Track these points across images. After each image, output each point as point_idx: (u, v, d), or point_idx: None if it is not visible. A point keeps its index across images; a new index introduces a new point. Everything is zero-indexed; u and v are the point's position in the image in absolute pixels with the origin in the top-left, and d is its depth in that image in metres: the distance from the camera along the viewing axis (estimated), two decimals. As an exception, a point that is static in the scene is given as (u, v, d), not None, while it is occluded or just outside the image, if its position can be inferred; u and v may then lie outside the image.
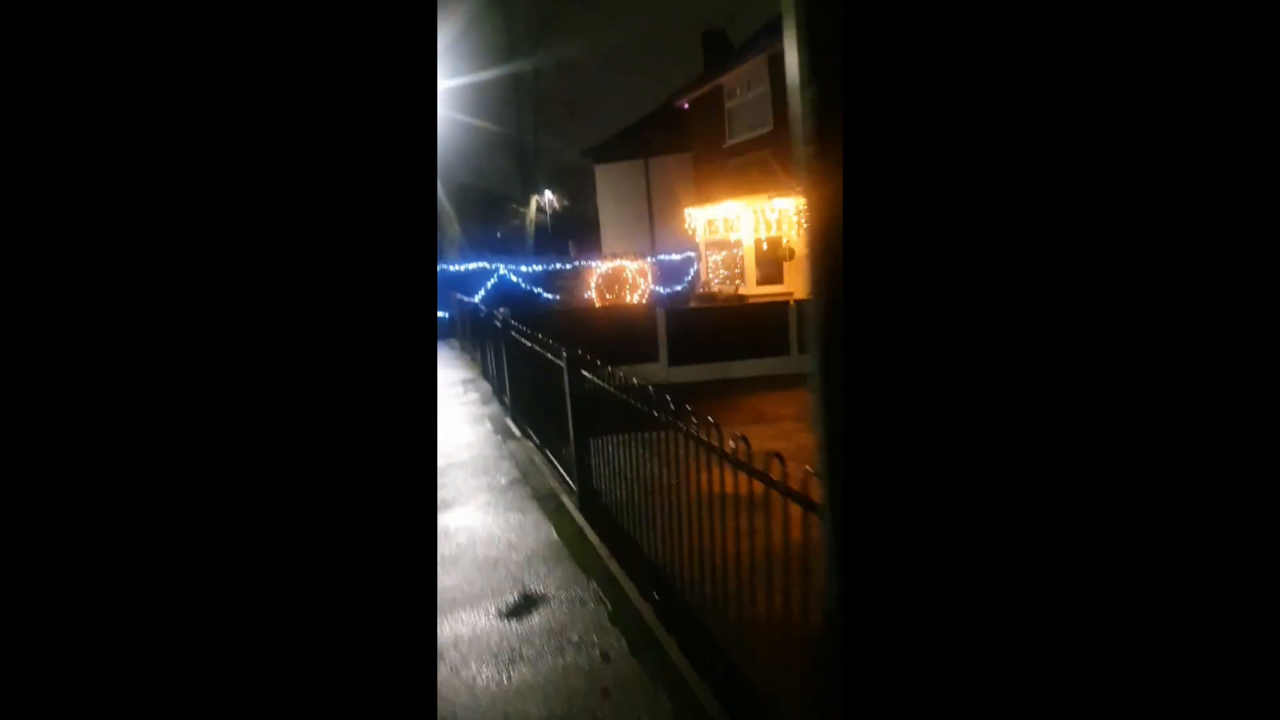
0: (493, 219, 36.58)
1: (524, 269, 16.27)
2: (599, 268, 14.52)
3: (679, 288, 16.13)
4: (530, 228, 35.94)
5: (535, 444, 6.06)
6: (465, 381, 9.52)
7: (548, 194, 37.14)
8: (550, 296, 15.45)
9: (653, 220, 19.17)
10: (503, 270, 16.06)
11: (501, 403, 7.85)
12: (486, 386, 8.97)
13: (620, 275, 14.34)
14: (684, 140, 16.38)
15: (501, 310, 8.00)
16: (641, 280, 14.52)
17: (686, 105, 15.27)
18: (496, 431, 6.81)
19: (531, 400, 6.17)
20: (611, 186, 19.74)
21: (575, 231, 33.23)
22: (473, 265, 16.23)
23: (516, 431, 6.69)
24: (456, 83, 18.40)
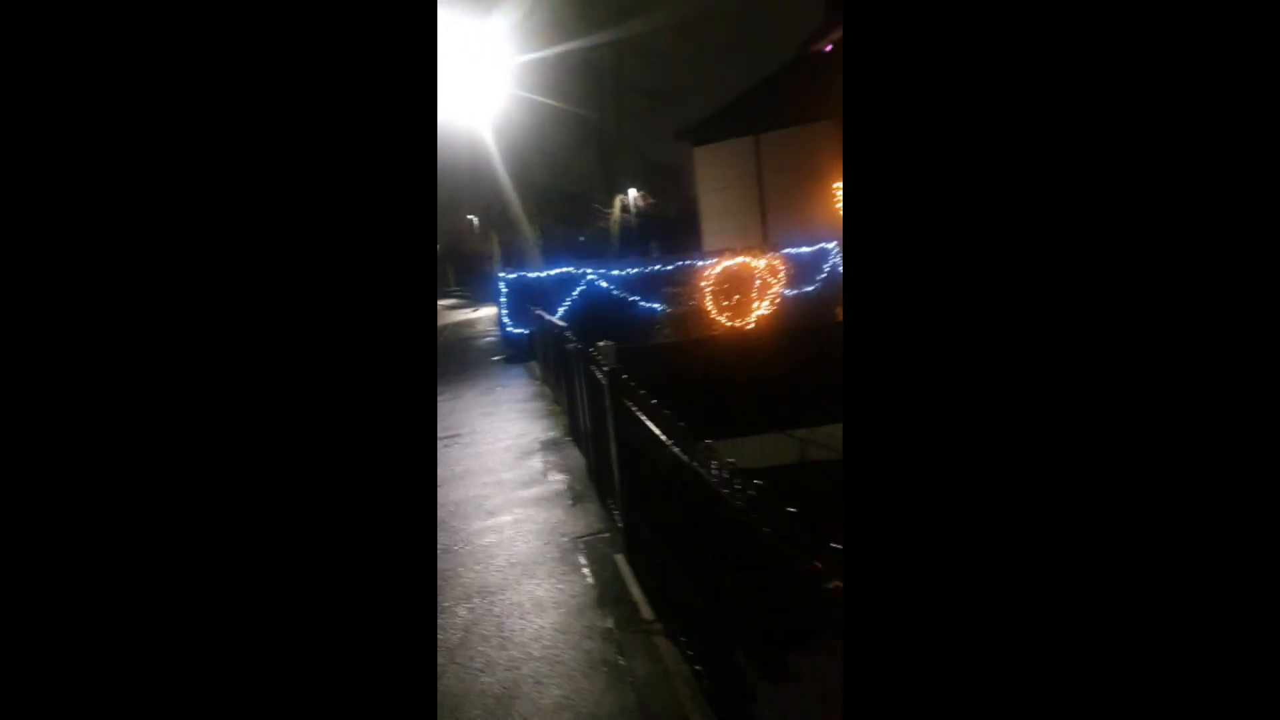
0: (575, 221, 33.61)
1: (616, 273, 12.87)
2: (714, 266, 10.92)
3: (810, 289, 12.34)
4: (615, 228, 32.86)
5: (698, 676, 2.54)
6: (546, 446, 6.11)
7: (632, 192, 33.94)
8: (654, 307, 11.96)
9: (764, 207, 15.42)
10: (591, 275, 12.71)
11: (604, 506, 4.38)
12: (577, 457, 5.54)
13: (744, 275, 10.67)
14: (813, 106, 12.59)
15: (603, 345, 4.54)
16: (773, 280, 10.79)
17: (830, 48, 11.49)
18: (603, 601, 3.30)
19: (681, 546, 2.70)
20: (713, 171, 16.09)
21: (660, 232, 29.96)
22: (555, 271, 12.95)
23: (645, 608, 3.16)
24: (529, 59, 15.27)
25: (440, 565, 3.89)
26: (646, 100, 28.45)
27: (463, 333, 19.33)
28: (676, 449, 2.50)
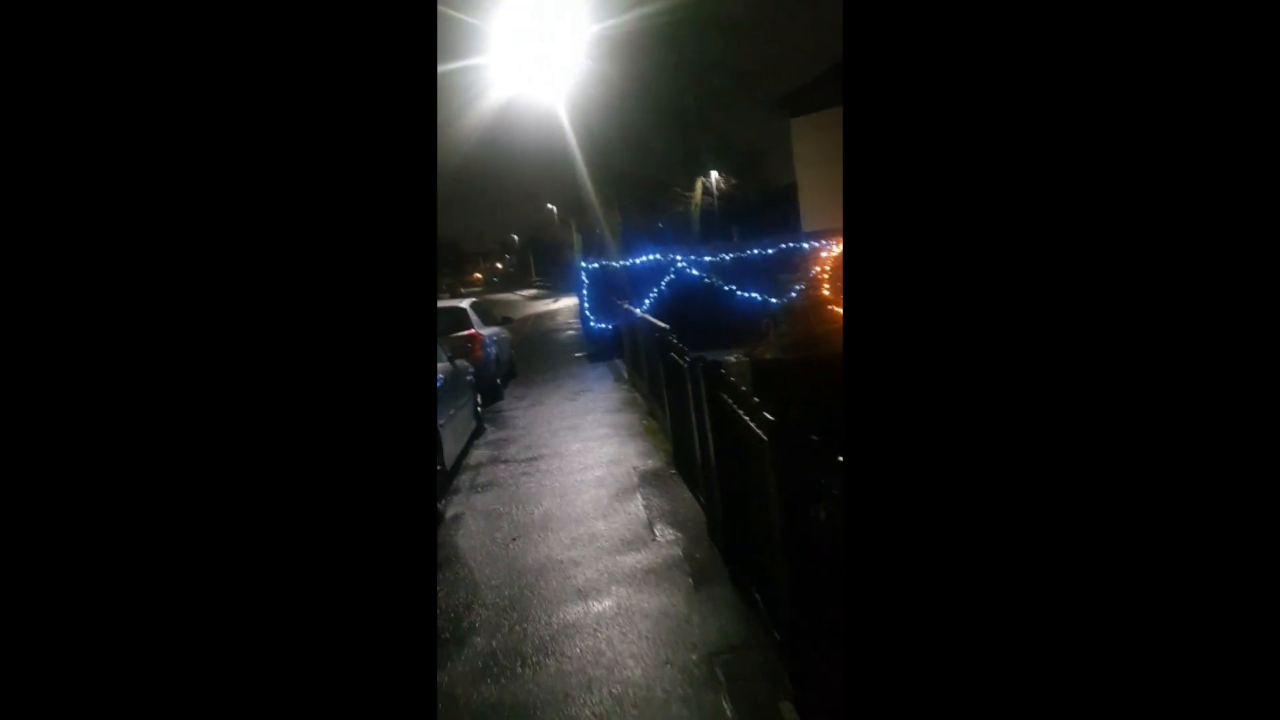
0: (654, 206, 32.26)
1: (710, 259, 11.42)
2: (830, 248, 9.23)
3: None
4: (695, 213, 31.38)
5: None
6: (647, 480, 4.78)
7: (714, 174, 32.29)
8: (755, 297, 10.42)
9: (874, 182, 13.54)
10: (681, 263, 11.31)
11: (742, 593, 3.00)
12: (689, 504, 4.19)
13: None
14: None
15: (734, 361, 3.16)
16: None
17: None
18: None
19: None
20: (814, 143, 14.30)
21: (742, 216, 28.24)
22: (641, 259, 11.62)
23: None
24: (605, 26, 13.89)
25: (518, 692, 2.63)
26: (728, 78, 26.74)
27: (544, 325, 18.39)
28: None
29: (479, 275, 57.80)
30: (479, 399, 7.19)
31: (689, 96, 26.32)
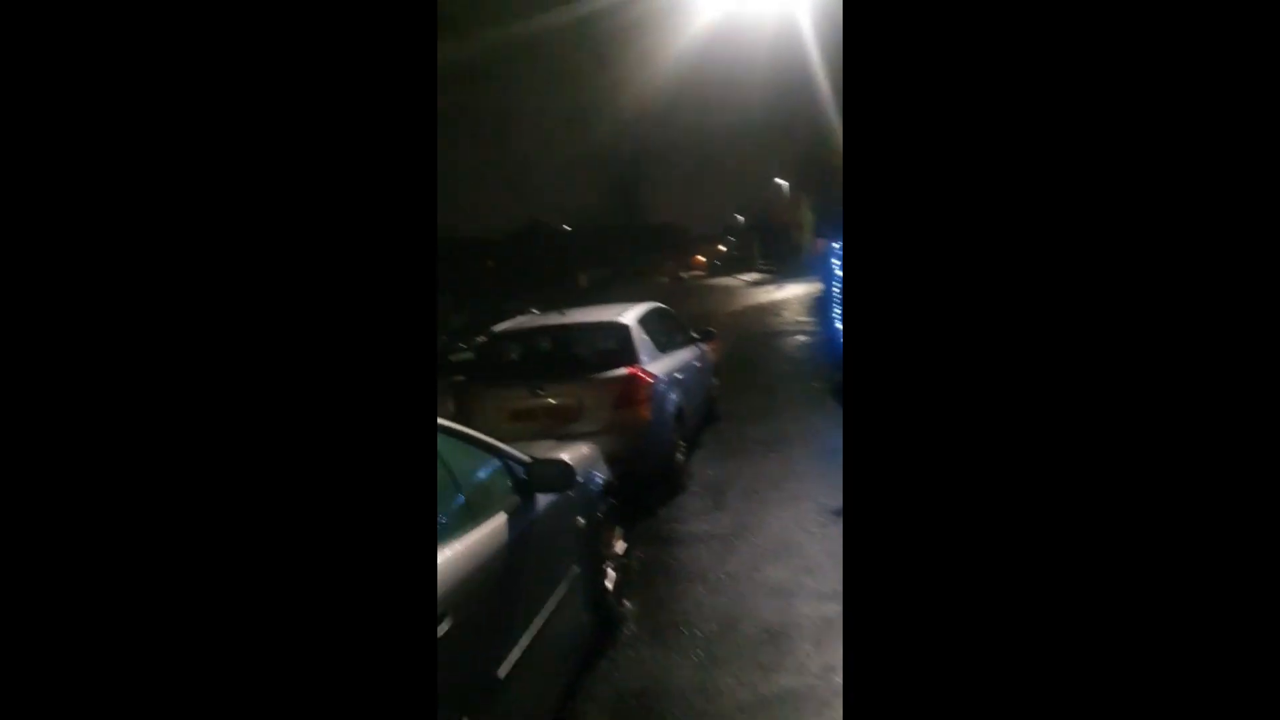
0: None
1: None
2: None
3: None
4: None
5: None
6: None
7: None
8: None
9: None
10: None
11: None
12: None
13: None
14: None
15: None
16: None
17: None
18: None
19: None
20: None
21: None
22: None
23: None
24: None
25: None
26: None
27: (764, 324, 13.98)
28: None
29: (702, 259, 54.66)
30: (616, 527, 3.20)
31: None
